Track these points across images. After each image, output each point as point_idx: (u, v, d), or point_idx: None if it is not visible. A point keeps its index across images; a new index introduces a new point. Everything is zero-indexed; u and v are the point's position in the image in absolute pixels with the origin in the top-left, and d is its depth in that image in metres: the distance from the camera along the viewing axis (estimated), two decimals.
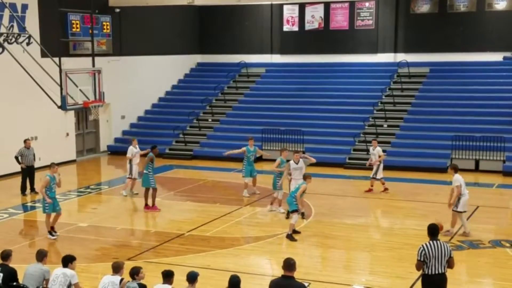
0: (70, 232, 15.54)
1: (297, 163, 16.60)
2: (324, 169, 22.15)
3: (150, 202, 17.63)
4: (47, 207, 14.98)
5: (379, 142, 24.35)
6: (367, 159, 23.60)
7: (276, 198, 17.29)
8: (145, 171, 17.60)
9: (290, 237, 14.91)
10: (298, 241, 14.79)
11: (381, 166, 19.56)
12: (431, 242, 9.34)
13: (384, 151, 24.00)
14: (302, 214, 16.17)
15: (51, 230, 15.11)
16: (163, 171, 23.80)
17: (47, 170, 22.58)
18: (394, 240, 14.98)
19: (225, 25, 32.47)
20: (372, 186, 19.75)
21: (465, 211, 15.06)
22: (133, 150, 19.78)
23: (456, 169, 15.29)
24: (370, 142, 24.00)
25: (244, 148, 19.48)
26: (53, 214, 15.09)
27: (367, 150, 24.02)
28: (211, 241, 14.89)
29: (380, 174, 19.55)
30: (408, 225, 16.18)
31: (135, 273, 9.49)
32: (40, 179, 20.60)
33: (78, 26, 24.88)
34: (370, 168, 20.03)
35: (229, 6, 30.97)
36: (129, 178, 19.65)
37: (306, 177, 15.37)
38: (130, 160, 19.59)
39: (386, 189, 19.57)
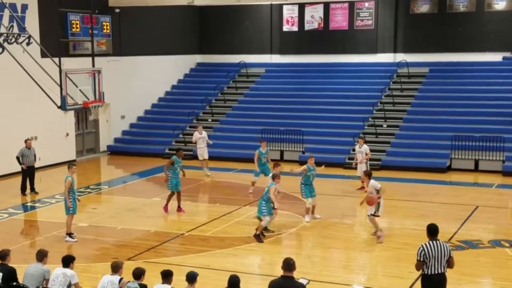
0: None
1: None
2: (323, 169, 22.14)
3: (181, 204, 17.49)
4: (71, 209, 14.86)
5: (378, 142, 24.60)
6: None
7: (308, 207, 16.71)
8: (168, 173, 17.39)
9: (257, 237, 14.69)
10: (297, 239, 14.85)
11: (368, 163, 19.76)
12: (430, 242, 9.35)
13: (383, 151, 24.14)
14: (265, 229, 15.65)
15: (70, 233, 15.01)
16: (163, 171, 23.77)
17: (47, 170, 22.87)
18: (393, 240, 14.99)
19: (225, 25, 32.48)
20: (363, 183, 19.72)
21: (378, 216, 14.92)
22: (197, 135, 22.43)
23: (369, 175, 15.11)
24: (370, 142, 24.18)
25: (257, 152, 19.48)
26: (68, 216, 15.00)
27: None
28: (210, 241, 14.91)
29: None
30: (407, 225, 16.20)
31: (141, 274, 9.48)
32: (40, 179, 20.73)
33: (78, 26, 24.89)
34: (371, 167, 20.07)
35: (229, 6, 30.97)
36: (200, 160, 22.00)
37: (274, 176, 15.18)
38: (196, 144, 22.32)
39: (363, 187, 19.49)
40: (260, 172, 19.44)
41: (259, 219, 15.19)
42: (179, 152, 17.64)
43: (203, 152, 22.43)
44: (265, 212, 14.72)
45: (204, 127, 27.78)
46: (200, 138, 22.47)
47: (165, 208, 17.43)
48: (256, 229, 14.87)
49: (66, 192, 14.75)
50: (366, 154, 19.65)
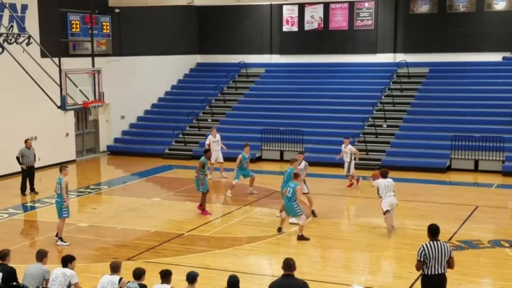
0: (70, 232, 15.52)
1: (298, 165, 16.77)
2: (324, 169, 22.18)
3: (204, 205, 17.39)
4: (65, 211, 14.63)
5: (378, 142, 24.68)
6: (367, 159, 23.77)
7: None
8: (195, 175, 17.28)
9: (301, 237, 14.79)
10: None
11: (353, 163, 20.28)
12: (431, 242, 9.34)
13: (383, 151, 24.17)
14: (313, 212, 16.70)
15: (61, 238, 14.78)
16: (163, 171, 23.83)
17: (46, 170, 22.84)
18: (393, 240, 14.99)
19: (224, 25, 32.48)
20: (351, 181, 20.34)
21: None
22: (211, 138, 21.99)
23: (296, 176, 15.04)
24: (370, 142, 24.35)
25: (240, 157, 19.47)
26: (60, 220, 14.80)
27: (367, 150, 24.15)
28: (210, 241, 14.91)
29: (352, 170, 20.27)
30: (407, 225, 16.20)
31: (141, 274, 9.49)
32: (40, 179, 20.72)
33: (77, 26, 24.89)
34: (371, 168, 20.19)
35: (229, 6, 30.97)
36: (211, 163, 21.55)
37: (296, 175, 15.10)
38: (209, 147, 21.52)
39: (351, 184, 20.37)
40: (239, 175, 19.42)
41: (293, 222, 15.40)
42: (208, 153, 17.95)
43: (218, 156, 21.88)
44: (300, 212, 14.76)
45: (203, 127, 27.93)
46: (214, 141, 21.97)
47: (206, 212, 17.10)
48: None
49: (64, 194, 14.50)
50: (355, 154, 20.12)
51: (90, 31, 19.57)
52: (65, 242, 14.69)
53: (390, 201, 15.29)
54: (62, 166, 15.35)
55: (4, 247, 10.96)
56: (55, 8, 19.19)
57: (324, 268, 13.29)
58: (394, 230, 15.28)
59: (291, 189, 14.73)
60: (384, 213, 15.19)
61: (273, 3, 30.75)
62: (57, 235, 14.76)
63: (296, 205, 14.69)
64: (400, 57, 29.14)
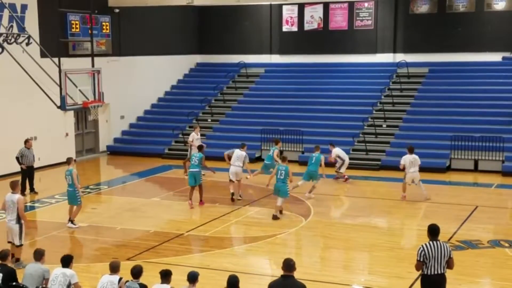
0: (70, 232, 15.55)
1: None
2: (324, 169, 22.13)
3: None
4: (79, 198, 15.88)
5: (378, 143, 24.75)
6: (366, 159, 23.84)
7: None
8: (197, 170, 17.98)
9: (276, 217, 16.38)
10: (297, 239, 14.82)
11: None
12: (431, 242, 9.34)
13: (383, 151, 24.22)
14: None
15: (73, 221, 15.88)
16: (163, 171, 23.82)
17: (46, 170, 22.84)
18: (394, 240, 15.00)
19: (224, 25, 32.48)
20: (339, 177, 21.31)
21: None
22: (195, 136, 22.27)
23: (200, 148, 17.75)
24: (369, 142, 24.37)
25: (277, 151, 20.02)
26: (75, 206, 15.91)
27: (367, 150, 24.18)
28: (210, 241, 14.91)
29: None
30: (408, 225, 16.21)
31: (139, 272, 9.47)
32: (40, 179, 20.72)
33: (77, 26, 24.88)
34: (370, 168, 20.29)
35: (229, 6, 30.96)
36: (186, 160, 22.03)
37: (284, 159, 17.06)
38: (191, 145, 22.03)
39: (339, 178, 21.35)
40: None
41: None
42: (203, 149, 18.88)
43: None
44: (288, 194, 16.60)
45: (203, 127, 27.91)
46: (197, 139, 22.15)
47: (203, 202, 18.12)
48: (280, 211, 16.63)
49: (76, 183, 15.60)
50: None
51: (90, 31, 19.61)
52: (75, 224, 15.76)
53: (412, 176, 18.48)
54: (69, 157, 16.25)
55: (4, 247, 10.96)
56: (55, 8, 19.21)
57: (324, 268, 13.29)
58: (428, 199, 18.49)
59: (283, 172, 16.19)
60: (407, 184, 18.42)
61: (273, 3, 30.74)
62: (70, 220, 15.82)
63: (287, 187, 16.32)
64: (400, 57, 29.14)
